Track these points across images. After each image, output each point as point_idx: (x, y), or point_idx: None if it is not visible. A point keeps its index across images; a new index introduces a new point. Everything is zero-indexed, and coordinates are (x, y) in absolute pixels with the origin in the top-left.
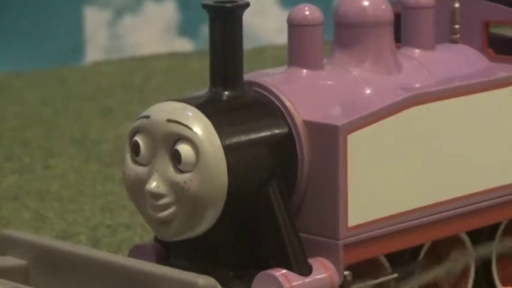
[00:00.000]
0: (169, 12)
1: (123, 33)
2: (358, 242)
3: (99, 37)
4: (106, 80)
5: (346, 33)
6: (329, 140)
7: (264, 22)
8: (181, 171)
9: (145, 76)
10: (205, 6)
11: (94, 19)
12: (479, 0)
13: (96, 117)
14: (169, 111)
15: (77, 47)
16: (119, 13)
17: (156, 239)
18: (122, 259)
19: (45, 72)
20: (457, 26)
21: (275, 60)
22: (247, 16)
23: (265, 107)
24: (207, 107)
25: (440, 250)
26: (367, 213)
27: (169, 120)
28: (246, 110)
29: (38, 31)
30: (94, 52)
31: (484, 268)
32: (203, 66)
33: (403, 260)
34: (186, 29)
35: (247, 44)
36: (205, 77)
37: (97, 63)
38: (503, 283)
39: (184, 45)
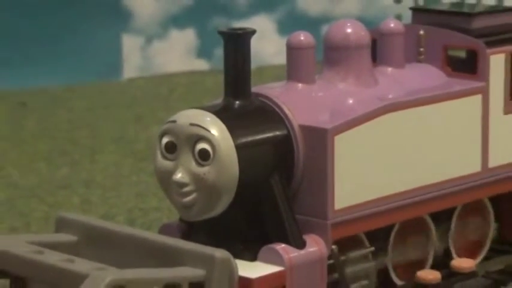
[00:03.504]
0: (189, 38)
1: (153, 55)
2: (343, 222)
3: (133, 58)
4: (139, 92)
5: (333, 54)
6: (320, 140)
7: (265, 46)
8: (201, 165)
9: (170, 89)
10: (220, 33)
11: (130, 44)
12: (440, 28)
13: (131, 122)
14: (191, 116)
15: (116, 66)
16: (149, 39)
17: (181, 219)
18: (153, 235)
19: (91, 86)
20: (422, 49)
21: (274, 77)
22: (251, 41)
23: (268, 114)
24: (222, 113)
25: (408, 229)
26: (350, 199)
27: (191, 124)
28: (253, 115)
29: (86, 53)
30: (130, 70)
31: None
32: (216, 82)
33: (378, 237)
34: (203, 52)
35: (251, 64)
36: (218, 90)
37: (132, 79)
38: (458, 254)
39: (201, 65)
